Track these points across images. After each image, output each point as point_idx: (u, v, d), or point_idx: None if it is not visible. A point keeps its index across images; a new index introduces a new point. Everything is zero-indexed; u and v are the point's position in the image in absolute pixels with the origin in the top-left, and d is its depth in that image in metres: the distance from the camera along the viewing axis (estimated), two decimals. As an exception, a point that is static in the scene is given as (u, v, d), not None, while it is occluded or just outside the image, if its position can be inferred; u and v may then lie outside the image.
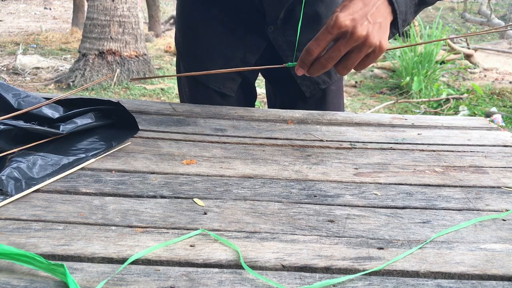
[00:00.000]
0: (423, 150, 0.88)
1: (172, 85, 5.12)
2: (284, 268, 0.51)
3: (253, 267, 0.51)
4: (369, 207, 0.66)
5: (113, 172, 0.72)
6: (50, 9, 11.96)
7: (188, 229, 0.57)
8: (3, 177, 0.65)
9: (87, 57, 5.16)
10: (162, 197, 0.66)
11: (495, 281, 0.51)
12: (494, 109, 4.60)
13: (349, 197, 0.68)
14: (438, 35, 5.32)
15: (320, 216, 0.62)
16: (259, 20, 1.08)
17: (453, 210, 0.66)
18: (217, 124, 0.97)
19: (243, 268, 0.50)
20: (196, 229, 0.57)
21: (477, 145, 0.92)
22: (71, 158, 0.74)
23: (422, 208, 0.66)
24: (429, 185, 0.74)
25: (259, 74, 1.26)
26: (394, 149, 0.88)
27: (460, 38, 7.45)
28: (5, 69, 5.62)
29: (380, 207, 0.66)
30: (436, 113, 4.51)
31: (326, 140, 0.91)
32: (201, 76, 1.14)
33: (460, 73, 5.88)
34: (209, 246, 0.54)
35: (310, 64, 0.82)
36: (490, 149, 0.90)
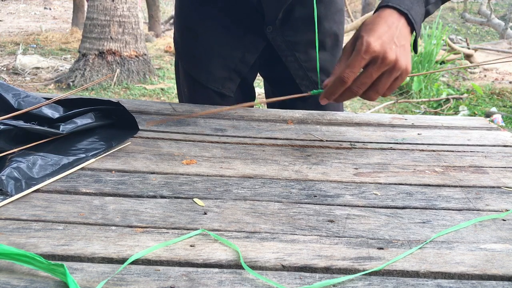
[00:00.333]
0: (423, 150, 0.88)
1: (172, 85, 5.12)
2: (284, 268, 0.51)
3: (253, 267, 0.51)
4: (369, 207, 0.66)
5: (113, 172, 0.72)
6: (50, 9, 11.96)
7: (188, 229, 0.57)
8: (3, 177, 0.65)
9: (87, 57, 5.16)
10: (162, 197, 0.66)
11: (495, 281, 0.51)
12: (494, 109, 4.60)
13: (349, 197, 0.68)
14: (438, 35, 5.31)
15: (320, 216, 0.62)
16: (257, 20, 1.08)
17: (453, 210, 0.66)
18: (217, 124, 0.97)
19: (243, 268, 0.50)
20: (196, 229, 0.57)
21: (477, 145, 0.92)
22: (71, 158, 0.74)
23: (422, 208, 0.66)
24: (429, 185, 0.74)
25: (258, 74, 1.26)
26: (394, 149, 0.88)
27: (460, 38, 7.43)
28: (5, 69, 5.62)
29: (380, 207, 0.66)
30: (436, 113, 4.51)
31: (326, 140, 0.91)
32: (200, 76, 1.14)
33: (460, 73, 5.88)
34: (209, 246, 0.54)
35: (339, 93, 0.80)
36: (490, 149, 0.90)
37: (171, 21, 9.79)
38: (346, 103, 4.76)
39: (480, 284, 0.50)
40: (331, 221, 0.61)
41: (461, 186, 0.74)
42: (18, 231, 0.55)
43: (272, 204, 0.65)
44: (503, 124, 4.17)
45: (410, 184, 0.74)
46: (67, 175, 0.70)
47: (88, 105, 0.87)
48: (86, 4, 6.81)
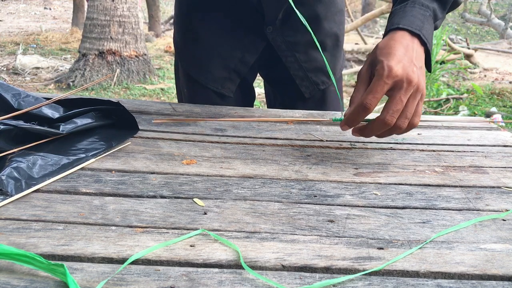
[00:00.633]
0: (423, 150, 0.88)
1: (172, 85, 5.13)
2: (284, 268, 0.51)
3: (253, 267, 0.51)
4: (369, 207, 0.66)
5: (113, 172, 0.72)
6: (50, 9, 11.96)
7: (188, 229, 0.57)
8: (3, 177, 0.65)
9: (87, 57, 5.16)
10: (162, 197, 0.66)
11: (495, 281, 0.51)
12: (494, 109, 4.60)
13: (349, 197, 0.68)
14: (438, 35, 5.31)
15: (320, 216, 0.62)
16: (257, 21, 1.08)
17: (453, 210, 0.66)
18: (217, 124, 0.97)
19: (243, 268, 0.50)
20: (196, 229, 0.57)
21: (477, 145, 0.92)
22: (71, 158, 0.74)
23: (422, 208, 0.66)
24: (429, 185, 0.74)
25: (258, 74, 1.26)
26: (394, 149, 0.88)
27: (460, 38, 7.43)
28: (5, 69, 5.62)
29: (380, 207, 0.66)
30: (436, 113, 4.51)
31: (326, 140, 0.91)
32: (200, 76, 1.14)
33: (460, 73, 5.88)
34: (209, 246, 0.54)
35: (361, 120, 0.77)
36: (490, 149, 0.90)
37: (171, 21, 9.80)
38: (346, 103, 4.76)
39: (480, 284, 0.50)
40: (331, 221, 0.61)
41: (461, 186, 0.74)
42: (18, 231, 0.55)
43: (272, 204, 0.65)
44: (503, 124, 4.17)
45: (410, 184, 0.74)
46: (67, 175, 0.70)
47: (88, 105, 0.87)
48: (86, 4, 6.81)
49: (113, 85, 4.99)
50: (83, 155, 0.76)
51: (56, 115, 0.84)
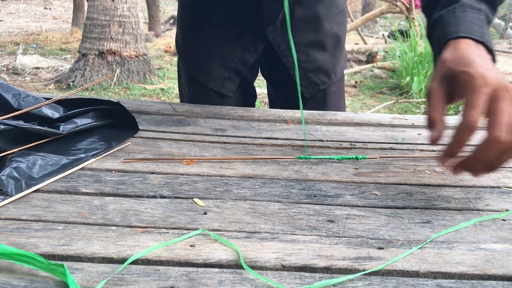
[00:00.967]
0: (423, 150, 0.88)
1: (172, 85, 5.13)
2: (284, 268, 0.51)
3: (253, 267, 0.51)
4: (369, 207, 0.66)
5: (113, 172, 0.72)
6: (50, 9, 11.97)
7: (188, 229, 0.57)
8: (3, 177, 0.65)
9: (87, 57, 5.16)
10: (162, 197, 0.66)
11: (495, 281, 0.51)
12: (494, 109, 4.59)
13: (349, 197, 0.68)
14: (438, 35, 5.31)
15: (320, 216, 0.62)
16: (257, 20, 1.08)
17: (453, 210, 0.66)
18: (217, 124, 0.97)
19: (243, 268, 0.50)
20: (196, 229, 0.57)
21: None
22: (71, 158, 0.74)
23: (422, 208, 0.66)
24: (429, 185, 0.74)
25: (259, 74, 1.26)
26: (394, 149, 0.88)
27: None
28: (5, 69, 5.62)
29: (380, 207, 0.66)
30: (436, 113, 4.50)
31: (326, 140, 0.91)
32: (199, 75, 1.15)
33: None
34: (209, 246, 0.54)
35: (466, 142, 0.65)
36: (490, 149, 0.90)
37: (171, 21, 9.80)
38: (346, 103, 4.76)
39: (480, 284, 0.50)
40: (331, 221, 0.61)
41: (461, 186, 0.74)
42: (18, 231, 0.55)
43: (272, 204, 0.65)
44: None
45: (410, 184, 0.74)
46: (67, 175, 0.70)
47: (88, 105, 0.87)
48: (86, 4, 6.82)
49: (113, 85, 4.99)
50: (83, 155, 0.76)
51: (56, 115, 0.84)
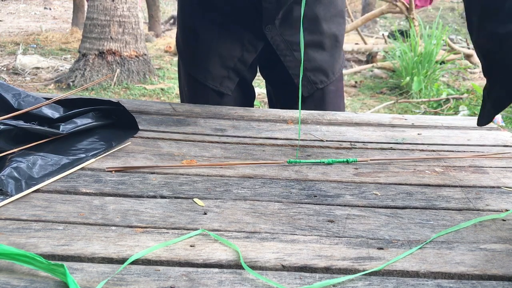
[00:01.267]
0: (423, 150, 0.88)
1: (172, 85, 5.12)
2: (284, 268, 0.51)
3: (253, 267, 0.51)
4: (369, 207, 0.66)
5: (113, 172, 0.72)
6: (50, 9, 11.96)
7: (188, 229, 0.57)
8: (3, 177, 0.65)
9: (87, 57, 5.16)
10: (162, 197, 0.66)
11: (495, 281, 0.51)
12: (494, 109, 4.59)
13: (349, 197, 0.68)
14: (438, 35, 5.31)
15: (320, 216, 0.62)
16: (257, 19, 1.08)
17: (453, 210, 0.66)
18: (217, 124, 0.97)
19: (243, 268, 0.50)
20: (196, 229, 0.57)
21: (477, 145, 0.92)
22: (71, 158, 0.74)
23: (422, 208, 0.66)
24: (429, 185, 0.74)
25: (257, 74, 1.26)
26: (394, 149, 0.88)
27: (460, 38, 7.43)
28: (5, 69, 5.62)
29: (380, 207, 0.66)
30: (436, 113, 4.51)
31: (326, 140, 0.91)
32: (199, 74, 1.15)
33: (460, 73, 5.88)
34: (209, 246, 0.54)
35: None
36: (490, 149, 0.90)
37: (171, 21, 9.79)
38: (346, 103, 4.77)
39: (480, 284, 0.50)
40: (331, 221, 0.61)
41: (461, 186, 0.74)
42: (18, 231, 0.55)
43: (272, 204, 0.65)
44: (503, 124, 4.17)
45: (410, 184, 0.74)
46: (67, 175, 0.70)
47: (88, 105, 0.87)
48: (86, 4, 6.81)
49: (113, 85, 4.99)
50: (83, 155, 0.76)
51: (56, 115, 0.84)
